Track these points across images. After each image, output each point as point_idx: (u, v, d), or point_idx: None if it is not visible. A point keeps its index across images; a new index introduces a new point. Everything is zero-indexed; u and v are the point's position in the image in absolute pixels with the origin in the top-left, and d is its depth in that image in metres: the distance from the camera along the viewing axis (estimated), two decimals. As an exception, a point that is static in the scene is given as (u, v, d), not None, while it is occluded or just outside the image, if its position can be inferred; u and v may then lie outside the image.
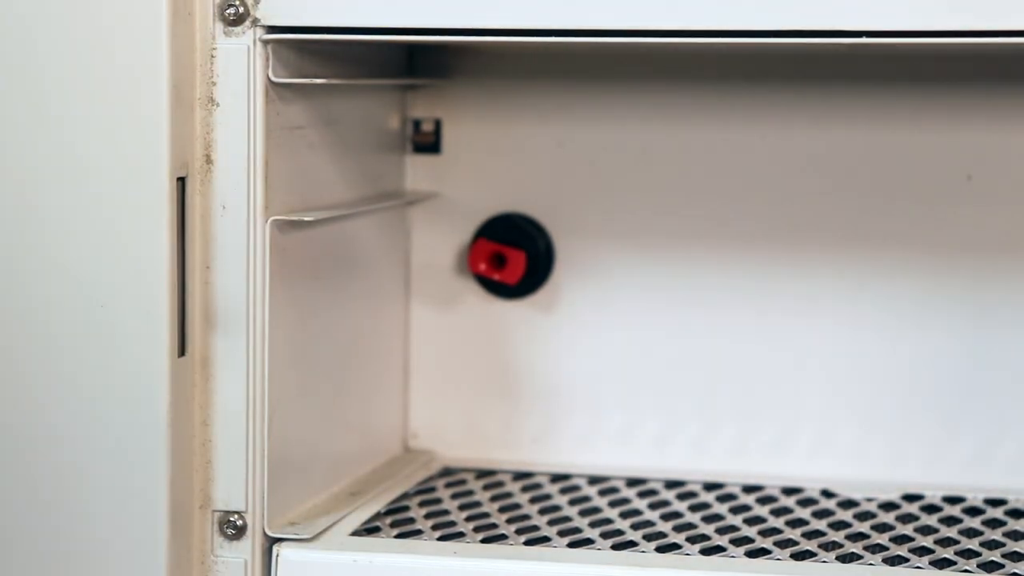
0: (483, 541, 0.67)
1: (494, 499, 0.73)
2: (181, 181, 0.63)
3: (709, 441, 0.79)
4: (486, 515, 0.70)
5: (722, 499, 0.74)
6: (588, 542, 0.67)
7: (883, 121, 0.77)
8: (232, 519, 0.64)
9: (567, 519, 0.70)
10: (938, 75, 0.76)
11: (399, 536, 0.67)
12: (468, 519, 0.70)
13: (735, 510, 0.72)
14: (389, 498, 0.72)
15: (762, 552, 0.66)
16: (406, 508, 0.71)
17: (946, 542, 0.68)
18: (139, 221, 0.62)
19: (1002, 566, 0.65)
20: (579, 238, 0.79)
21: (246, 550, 0.64)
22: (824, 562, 0.65)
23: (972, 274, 0.77)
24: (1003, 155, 0.76)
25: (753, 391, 0.79)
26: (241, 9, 0.63)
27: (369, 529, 0.67)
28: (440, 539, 0.67)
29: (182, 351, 0.63)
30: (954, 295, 0.77)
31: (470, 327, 0.80)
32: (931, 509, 0.73)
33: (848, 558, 0.66)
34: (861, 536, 0.69)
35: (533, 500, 0.73)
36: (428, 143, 0.80)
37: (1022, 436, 0.77)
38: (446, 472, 0.78)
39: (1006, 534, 0.69)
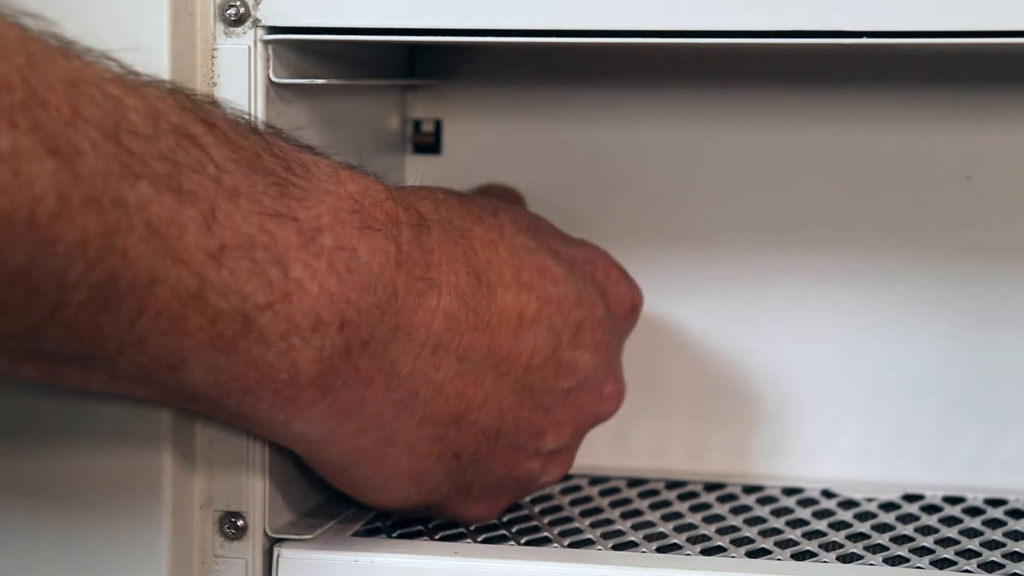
0: (483, 541, 0.67)
1: (494, 499, 0.73)
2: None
3: (709, 441, 0.79)
4: (486, 515, 0.70)
5: (722, 499, 0.74)
6: (589, 542, 0.67)
7: (883, 121, 0.77)
8: (233, 519, 0.64)
9: (568, 519, 0.71)
10: (938, 75, 0.76)
11: (400, 536, 0.67)
12: (469, 519, 0.70)
13: (735, 510, 0.72)
14: (390, 498, 0.72)
15: (763, 552, 0.66)
16: (407, 508, 0.71)
17: (946, 542, 0.68)
18: (140, 222, 0.62)
19: (1002, 566, 0.65)
20: (580, 238, 0.79)
21: (247, 550, 0.64)
22: (825, 562, 0.65)
23: (972, 274, 0.77)
24: (1003, 155, 0.76)
25: (752, 391, 0.79)
26: (242, 9, 0.63)
27: (370, 530, 0.67)
28: (441, 539, 0.67)
29: (183, 351, 0.63)
30: (954, 295, 0.77)
31: (470, 327, 0.80)
32: (931, 509, 0.73)
33: (849, 558, 0.66)
34: (862, 536, 0.69)
35: (533, 500, 0.73)
36: (428, 143, 0.80)
37: (1022, 436, 0.77)
38: (446, 472, 0.78)
39: (1006, 534, 0.69)
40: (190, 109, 0.52)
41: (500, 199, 0.69)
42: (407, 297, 0.57)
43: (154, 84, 0.53)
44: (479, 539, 0.67)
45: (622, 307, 0.68)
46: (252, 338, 0.53)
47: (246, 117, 0.59)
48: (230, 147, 0.53)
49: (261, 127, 0.58)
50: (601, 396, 0.66)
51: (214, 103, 0.57)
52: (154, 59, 0.61)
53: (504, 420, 0.62)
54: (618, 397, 0.68)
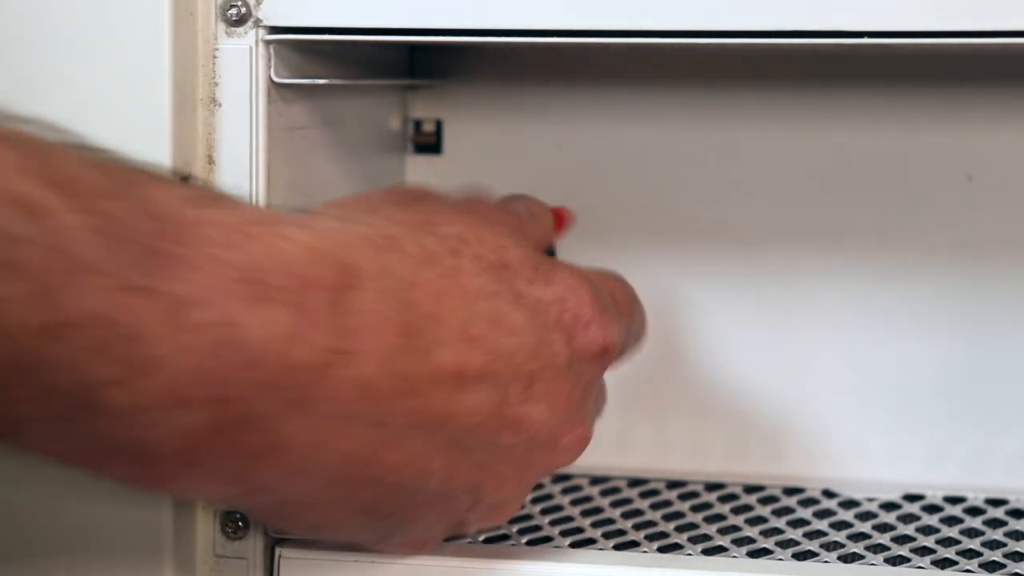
0: (485, 541, 0.67)
1: (495, 499, 0.73)
2: (184, 181, 0.63)
3: (709, 441, 0.79)
4: (488, 515, 0.70)
5: (723, 499, 0.74)
6: (590, 542, 0.67)
7: (883, 121, 0.77)
8: (234, 519, 0.64)
9: (569, 519, 0.71)
10: (938, 75, 0.77)
11: (401, 536, 0.67)
12: (470, 519, 0.69)
13: (736, 510, 0.72)
14: (390, 498, 0.72)
15: (764, 552, 0.66)
16: (407, 508, 0.71)
17: (947, 542, 0.68)
18: (142, 222, 0.62)
19: (1003, 566, 0.65)
20: (579, 238, 0.79)
21: (248, 550, 0.64)
22: (826, 562, 0.65)
23: (972, 274, 0.77)
24: (1003, 155, 0.76)
25: (752, 391, 0.79)
26: (243, 9, 0.63)
27: (371, 529, 0.67)
28: (442, 539, 0.67)
29: (184, 352, 0.63)
30: (954, 295, 0.77)
31: (471, 327, 0.80)
32: (932, 509, 0.73)
33: (849, 558, 0.66)
34: (862, 536, 0.69)
35: (535, 500, 0.73)
36: (429, 143, 0.80)
37: (1022, 436, 0.77)
38: (447, 472, 0.78)
39: (1007, 534, 0.69)
40: (40, 172, 0.47)
41: (484, 214, 0.63)
42: (308, 371, 0.51)
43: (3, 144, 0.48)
44: (479, 539, 0.67)
45: (590, 351, 0.62)
46: (96, 411, 0.48)
47: (135, 167, 0.52)
48: (87, 213, 0.48)
49: (154, 178, 0.52)
50: (555, 448, 0.61)
51: (93, 153, 0.51)
52: (155, 59, 0.61)
53: (430, 479, 0.57)
54: (578, 446, 0.62)
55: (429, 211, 0.61)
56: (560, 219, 0.71)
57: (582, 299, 0.61)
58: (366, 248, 0.55)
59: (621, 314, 0.64)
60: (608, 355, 0.63)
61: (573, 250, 0.79)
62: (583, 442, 0.62)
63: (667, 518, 0.71)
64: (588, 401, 0.62)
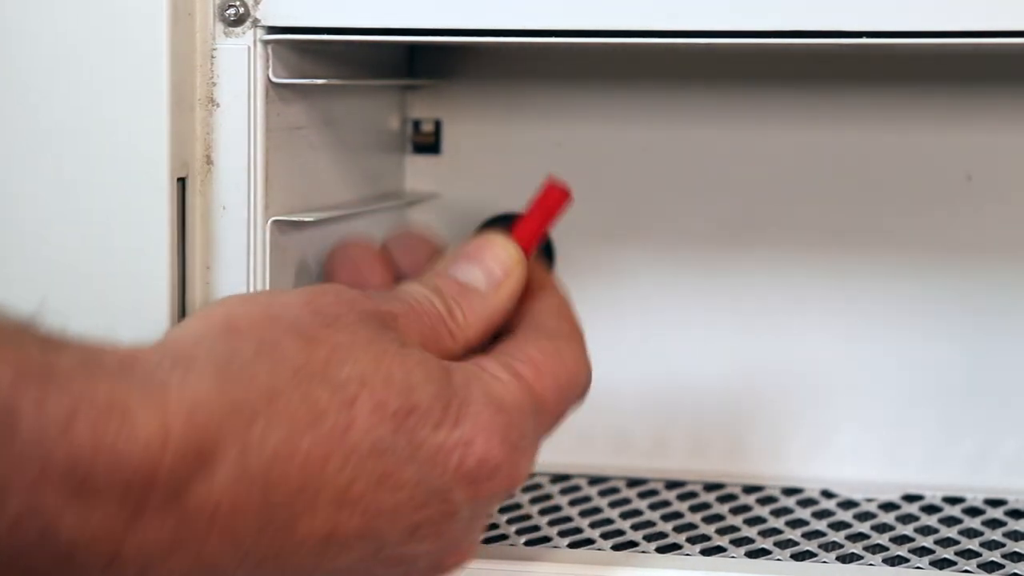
0: (484, 541, 0.67)
1: (494, 499, 0.73)
2: (181, 182, 0.63)
3: (708, 441, 0.79)
4: (486, 515, 0.70)
5: (722, 499, 0.74)
6: (589, 542, 0.67)
7: (883, 121, 0.77)
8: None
9: (567, 519, 0.71)
10: (938, 75, 0.76)
11: (399, 536, 0.67)
12: (468, 519, 0.69)
13: (735, 510, 0.72)
14: (389, 498, 0.72)
15: (762, 552, 0.66)
16: (406, 508, 0.71)
17: (946, 542, 0.68)
18: (140, 222, 0.62)
19: (1002, 566, 0.65)
20: (579, 238, 0.79)
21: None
22: (824, 562, 0.65)
23: (972, 274, 0.77)
24: (1003, 155, 0.76)
25: (751, 391, 0.79)
26: (241, 9, 0.63)
27: (369, 529, 0.67)
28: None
29: (182, 352, 0.63)
30: (954, 295, 0.77)
31: (470, 327, 0.80)
32: (931, 509, 0.73)
33: (848, 558, 0.66)
34: (861, 536, 0.69)
35: (533, 500, 0.73)
36: (428, 143, 0.80)
37: (1022, 436, 0.77)
38: (446, 472, 0.78)
39: (1006, 534, 0.69)
40: None
41: (403, 337, 0.57)
42: (135, 562, 0.48)
43: None
44: (480, 539, 0.67)
45: (493, 493, 0.58)
46: None
47: None
48: None
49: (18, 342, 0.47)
50: (436, 568, 0.58)
51: None
52: (153, 59, 0.61)
53: None
54: (460, 565, 0.59)
55: (335, 345, 0.54)
56: (554, 199, 0.68)
57: (490, 442, 0.56)
58: (233, 421, 0.50)
59: (544, 421, 0.60)
60: (512, 490, 0.59)
61: (573, 250, 0.79)
62: (465, 561, 0.59)
63: (666, 518, 0.71)
64: (479, 528, 0.59)
